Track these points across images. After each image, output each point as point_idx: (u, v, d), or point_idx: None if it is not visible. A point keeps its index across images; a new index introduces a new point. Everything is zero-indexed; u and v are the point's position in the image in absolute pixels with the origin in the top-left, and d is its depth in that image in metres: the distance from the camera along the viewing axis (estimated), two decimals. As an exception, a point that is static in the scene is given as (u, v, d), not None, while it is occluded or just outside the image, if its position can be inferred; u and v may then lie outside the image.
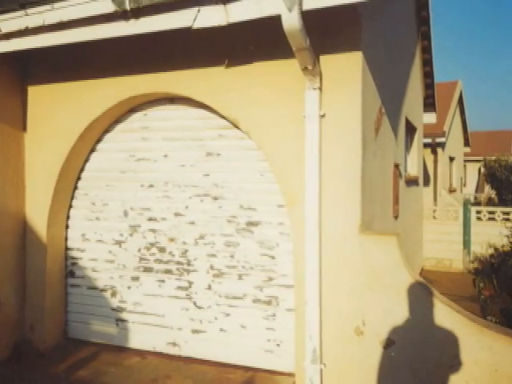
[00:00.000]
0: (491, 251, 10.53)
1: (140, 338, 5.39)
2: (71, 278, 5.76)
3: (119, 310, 5.51)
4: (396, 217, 6.59)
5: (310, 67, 3.91)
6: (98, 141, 5.58)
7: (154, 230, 5.33)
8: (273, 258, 4.77)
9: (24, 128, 5.57)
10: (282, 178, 4.39)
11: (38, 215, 5.47)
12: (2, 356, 5.28)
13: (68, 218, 5.73)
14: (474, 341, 3.66)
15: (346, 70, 4.14)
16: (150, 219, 5.35)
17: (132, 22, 4.00)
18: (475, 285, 8.03)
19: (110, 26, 4.10)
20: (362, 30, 4.16)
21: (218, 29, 3.81)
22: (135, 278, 5.45)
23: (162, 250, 5.30)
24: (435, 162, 14.91)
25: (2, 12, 4.44)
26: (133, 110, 5.37)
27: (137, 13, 3.97)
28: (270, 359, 4.75)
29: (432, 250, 11.40)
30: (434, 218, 11.53)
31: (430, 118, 12.52)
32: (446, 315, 3.75)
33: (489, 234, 10.76)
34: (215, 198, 5.00)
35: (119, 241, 5.53)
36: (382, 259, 3.99)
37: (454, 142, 18.39)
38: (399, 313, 3.91)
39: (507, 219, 10.67)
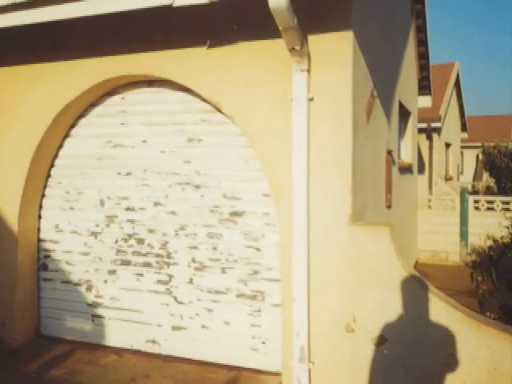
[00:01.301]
0: (490, 243, 10.24)
1: (117, 336, 5.27)
2: (44, 272, 5.61)
3: (95, 305, 5.39)
4: (389, 206, 6.52)
5: (297, 48, 3.80)
6: (73, 126, 5.44)
7: (132, 221, 5.21)
8: (258, 250, 4.67)
9: (-7, 113, 5.37)
10: (267, 165, 4.30)
11: (8, 205, 5.34)
12: (-30, 355, 5.10)
13: (41, 207, 5.59)
14: (472, 338, 3.58)
15: (336, 50, 4.04)
16: (128, 209, 5.23)
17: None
18: (473, 278, 7.92)
19: (85, 4, 3.95)
20: (353, 8, 4.05)
21: (200, 7, 3.72)
22: (112, 272, 5.32)
23: (140, 241, 5.18)
24: (430, 148, 14.59)
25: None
26: (109, 94, 5.25)
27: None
28: (255, 357, 4.66)
29: (427, 241, 11.18)
30: (430, 207, 11.31)
31: (425, 101, 12.14)
32: (441, 311, 3.67)
33: (487, 225, 10.48)
34: (197, 187, 4.89)
35: (95, 232, 5.39)
36: (374, 251, 3.91)
37: (451, 128, 18.07)
38: (392, 309, 3.82)
39: (507, 209, 10.40)
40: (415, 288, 3.76)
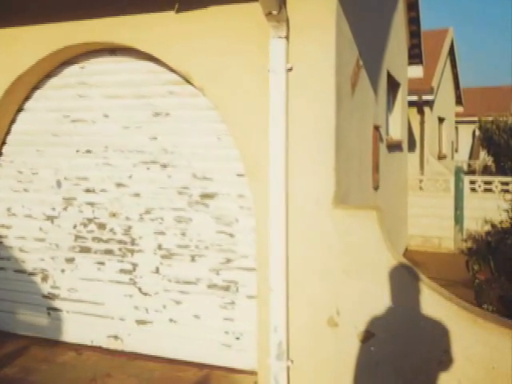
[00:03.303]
0: (487, 228, 9.98)
1: (76, 330, 5.13)
2: (-5, 260, 5.46)
3: (51, 297, 5.22)
4: (376, 188, 6.41)
5: (274, 12, 3.68)
6: (27, 99, 5.24)
7: (92, 204, 5.05)
8: (231, 236, 4.54)
9: None
10: (242, 142, 4.22)
11: (-47, 186, 5.18)
12: None
13: (-10, 189, 5.44)
14: (468, 333, 3.50)
15: (318, 15, 3.95)
16: (88, 191, 5.05)
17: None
18: (469, 267, 7.80)
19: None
20: (336, -34, 3.94)
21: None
22: (70, 260, 5.15)
23: (101, 226, 5.03)
24: (422, 123, 14.15)
25: None
26: (67, 63, 5.05)
27: None
28: (228, 355, 4.56)
29: (418, 226, 10.91)
30: (421, 188, 11.00)
31: (416, 71, 11.80)
32: (434, 303, 3.60)
33: (485, 208, 10.14)
34: (164, 166, 4.74)
35: (51, 216, 5.20)
36: (360, 237, 3.85)
37: (444, 100, 17.44)
38: (380, 301, 3.75)
39: (506, 190, 10.10)
40: (405, 278, 3.69)
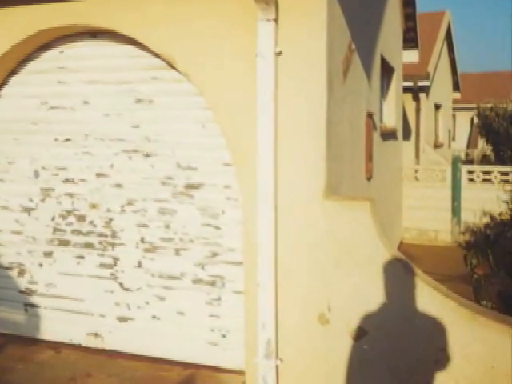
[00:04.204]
0: (486, 220, 9.86)
1: (54, 328, 5.07)
2: (-31, 254, 5.38)
3: (28, 292, 5.17)
4: (369, 178, 6.36)
5: None
6: (3, 85, 5.16)
7: (71, 195, 4.99)
8: (217, 228, 4.51)
9: None
10: (228, 130, 4.18)
11: None
12: None
13: (-35, 179, 5.38)
14: (466, 331, 3.46)
15: None
16: (67, 181, 5.00)
17: None
18: (467, 262, 7.67)
19: None
20: None
21: None
22: (48, 254, 5.09)
23: (81, 218, 4.97)
24: (417, 110, 13.91)
25: None
26: (46, 47, 4.99)
27: None
28: (214, 353, 4.53)
29: (414, 218, 10.80)
30: (416, 179, 10.84)
31: (412, 56, 11.83)
32: (430, 299, 3.56)
33: (483, 199, 9.95)
34: (147, 155, 4.70)
35: (28, 208, 5.16)
36: (352, 230, 3.80)
37: (441, 86, 17.20)
38: (373, 297, 3.71)
39: (506, 181, 9.96)
40: (400, 273, 3.65)
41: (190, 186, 4.55)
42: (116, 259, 4.85)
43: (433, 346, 3.52)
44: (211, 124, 4.38)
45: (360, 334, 3.74)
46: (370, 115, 6.26)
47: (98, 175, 4.85)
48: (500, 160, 15.54)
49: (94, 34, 4.73)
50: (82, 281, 4.96)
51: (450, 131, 19.56)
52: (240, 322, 4.32)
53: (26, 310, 5.14)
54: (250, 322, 4.11)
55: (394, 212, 9.36)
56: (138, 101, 4.65)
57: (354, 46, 5.04)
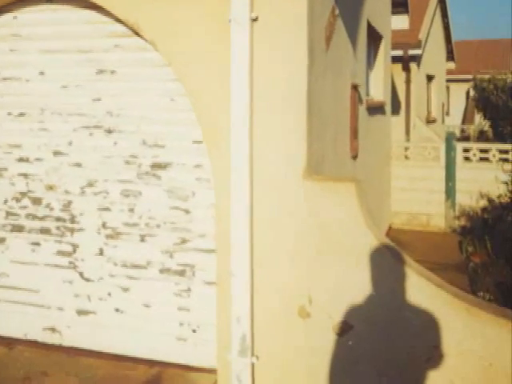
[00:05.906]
0: (484, 203, 9.64)
1: (6, 322, 4.91)
2: None
3: None
4: (355, 157, 6.25)
5: None
6: None
7: (25, 175, 4.81)
8: (187, 212, 4.38)
9: None
10: (199, 103, 4.07)
11: None
12: None
13: None
14: (461, 325, 3.37)
15: None
16: (21, 160, 4.82)
17: None
18: (462, 249, 7.62)
19: None
20: None
21: None
22: (0, 240, 4.92)
23: (36, 201, 4.80)
24: (408, 82, 13.75)
25: None
26: None
27: None
28: (183, 350, 4.38)
29: (403, 201, 10.53)
30: (407, 157, 10.58)
31: (401, 22, 11.73)
32: (422, 290, 3.48)
33: (480, 180, 9.68)
34: (109, 131, 4.54)
35: None
36: (336, 214, 3.68)
37: (434, 56, 16.86)
38: (359, 288, 3.62)
39: (505, 160, 9.72)
40: (388, 261, 3.57)
41: (156, 166, 4.43)
42: (75, 246, 4.70)
43: (425, 342, 3.44)
44: (180, 97, 4.27)
45: (345, 329, 3.64)
46: (355, 87, 6.19)
47: (56, 153, 4.69)
48: (499, 137, 15.30)
49: (52, -4, 4.61)
50: (37, 270, 4.81)
51: (443, 105, 19.07)
52: (212, 316, 4.21)
53: (-26, 303, 4.97)
54: (222, 315, 4.02)
55: (381, 194, 9.17)
56: (100, 71, 4.52)
57: (337, 11, 4.94)
